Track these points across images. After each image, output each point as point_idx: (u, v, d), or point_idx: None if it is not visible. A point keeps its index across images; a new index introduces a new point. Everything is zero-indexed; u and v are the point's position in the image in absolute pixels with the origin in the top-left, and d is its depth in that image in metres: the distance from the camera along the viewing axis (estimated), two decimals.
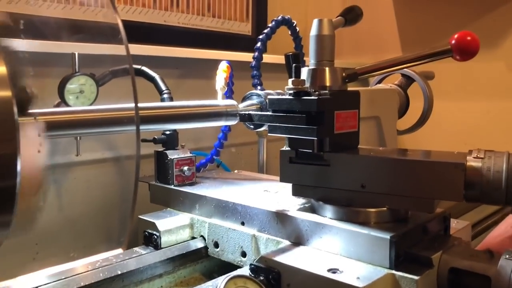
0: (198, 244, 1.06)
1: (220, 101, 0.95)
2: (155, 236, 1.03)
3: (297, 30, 1.52)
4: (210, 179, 1.23)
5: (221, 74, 1.05)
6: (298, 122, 0.86)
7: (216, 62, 1.73)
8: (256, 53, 1.38)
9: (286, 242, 0.90)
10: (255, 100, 1.02)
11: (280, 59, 1.85)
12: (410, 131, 1.45)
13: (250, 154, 1.80)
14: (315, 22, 0.92)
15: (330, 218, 0.87)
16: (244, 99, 1.03)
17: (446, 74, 1.81)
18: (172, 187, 1.14)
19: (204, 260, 1.06)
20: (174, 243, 1.06)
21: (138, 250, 1.03)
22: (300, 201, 0.97)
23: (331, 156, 0.88)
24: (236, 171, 1.35)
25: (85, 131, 0.75)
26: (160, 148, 1.18)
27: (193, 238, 1.08)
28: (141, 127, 0.83)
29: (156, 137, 1.16)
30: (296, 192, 0.93)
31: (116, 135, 1.44)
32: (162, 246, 1.03)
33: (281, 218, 0.91)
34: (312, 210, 0.92)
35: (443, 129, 2.06)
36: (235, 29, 2.28)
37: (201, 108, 0.90)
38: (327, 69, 0.91)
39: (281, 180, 0.94)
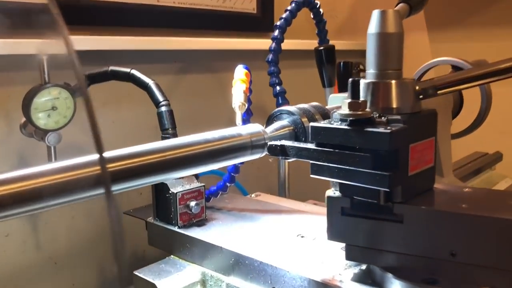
0: None
1: (241, 128, 0.68)
2: None
3: (321, 13, 1.24)
4: (223, 212, 0.96)
5: (239, 86, 0.77)
6: (360, 164, 0.60)
7: (220, 53, 1.46)
8: (274, 44, 1.10)
9: None
10: (286, 121, 0.75)
11: (293, 44, 1.57)
12: (465, 133, 1.19)
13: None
14: (375, 15, 0.64)
15: None
16: (271, 119, 0.76)
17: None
18: (175, 229, 0.88)
19: None
20: None
21: None
22: None
23: (404, 209, 0.62)
24: (253, 195, 1.09)
25: (35, 207, 0.48)
26: None
27: None
28: (138, 182, 0.57)
29: None
30: (351, 256, 0.67)
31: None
32: None
33: None
34: (372, 279, 0.67)
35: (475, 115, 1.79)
36: (238, 7, 1.98)
37: (217, 143, 0.63)
38: (393, 82, 0.63)
39: (330, 238, 0.68)
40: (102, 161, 0.45)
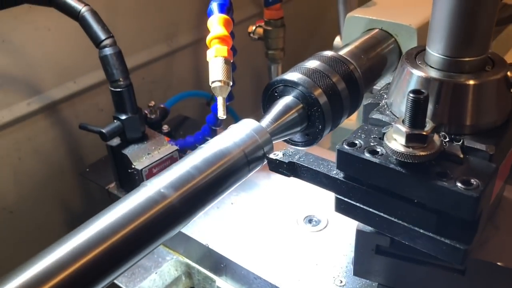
0: None
1: (227, 138, 0.44)
2: None
3: None
4: None
5: (217, 51, 0.48)
6: (419, 223, 0.39)
7: None
8: None
9: None
10: (291, 96, 0.50)
11: None
12: None
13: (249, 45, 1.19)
14: None
15: None
16: (269, 94, 0.51)
17: None
18: None
19: None
20: None
21: None
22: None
23: (470, 261, 0.43)
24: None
25: None
26: (116, 140, 0.69)
27: None
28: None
29: (103, 130, 0.66)
30: None
31: (38, 72, 0.90)
32: None
33: None
34: None
35: None
36: None
37: (201, 178, 0.40)
38: (472, 85, 0.38)
39: (356, 274, 0.50)
40: None
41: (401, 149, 0.36)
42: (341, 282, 0.56)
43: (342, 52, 0.57)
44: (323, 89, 0.51)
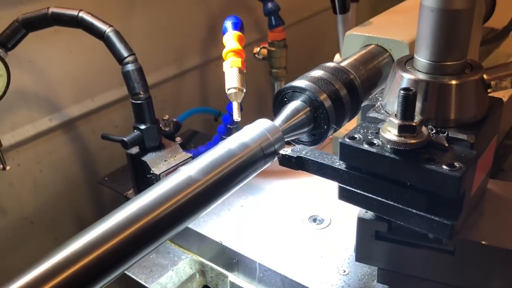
0: None
1: (244, 135, 0.50)
2: None
3: None
4: None
5: (232, 62, 0.55)
6: (411, 204, 0.45)
7: None
8: None
9: None
10: (299, 101, 0.56)
11: None
12: (495, 40, 1.01)
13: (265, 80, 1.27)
14: None
15: None
16: (279, 99, 0.57)
17: None
18: None
19: None
20: None
21: None
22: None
23: (458, 243, 0.49)
24: None
25: None
26: (135, 149, 0.75)
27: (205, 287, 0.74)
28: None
29: (125, 138, 0.72)
30: (384, 280, 0.56)
31: (59, 91, 0.97)
32: None
33: None
34: None
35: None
36: None
37: (223, 167, 0.46)
38: (455, 85, 0.45)
39: (358, 260, 0.56)
40: None
41: (395, 138, 0.43)
42: (345, 271, 0.61)
43: (343, 64, 0.64)
44: (327, 94, 0.57)
